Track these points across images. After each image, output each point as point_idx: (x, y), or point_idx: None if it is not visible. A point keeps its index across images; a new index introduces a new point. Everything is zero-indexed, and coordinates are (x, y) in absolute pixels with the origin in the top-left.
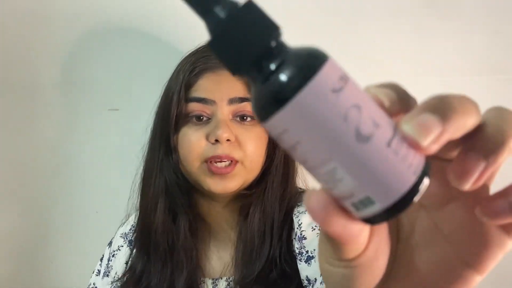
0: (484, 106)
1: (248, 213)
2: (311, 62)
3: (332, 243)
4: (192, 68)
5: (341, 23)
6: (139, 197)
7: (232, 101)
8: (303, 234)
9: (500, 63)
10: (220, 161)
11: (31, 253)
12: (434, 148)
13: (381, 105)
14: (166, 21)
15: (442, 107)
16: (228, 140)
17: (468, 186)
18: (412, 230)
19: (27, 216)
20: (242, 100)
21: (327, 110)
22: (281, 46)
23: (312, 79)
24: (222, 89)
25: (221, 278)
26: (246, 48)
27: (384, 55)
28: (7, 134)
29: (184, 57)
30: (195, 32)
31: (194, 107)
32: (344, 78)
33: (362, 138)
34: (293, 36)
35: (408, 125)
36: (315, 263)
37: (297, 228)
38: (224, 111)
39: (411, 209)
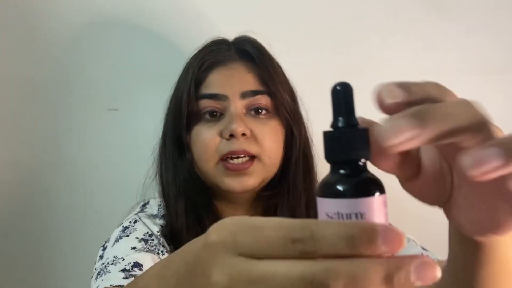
0: (484, 106)
1: (276, 215)
2: (362, 189)
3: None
4: (201, 63)
5: (341, 24)
6: (163, 202)
7: (244, 94)
8: None
9: (500, 63)
10: (237, 157)
11: (31, 253)
12: (398, 148)
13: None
14: (166, 21)
15: (420, 114)
16: (243, 134)
17: (475, 176)
18: (458, 184)
19: (26, 216)
20: (255, 93)
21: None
22: (363, 165)
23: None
24: (234, 83)
25: None
26: (349, 152)
27: (383, 56)
28: (7, 133)
29: (191, 55)
30: (196, 32)
31: (206, 103)
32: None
33: None
34: (295, 37)
35: (386, 124)
36: None
37: None
38: (237, 105)
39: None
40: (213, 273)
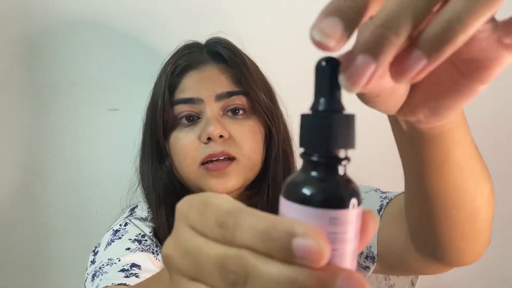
0: (484, 106)
1: None
2: (339, 196)
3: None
4: (173, 68)
5: None
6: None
7: (219, 96)
8: None
9: None
10: (217, 160)
11: (31, 254)
12: (338, 46)
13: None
14: (167, 21)
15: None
16: (221, 136)
17: (404, 82)
18: None
19: (27, 216)
20: (230, 94)
21: None
22: (342, 161)
23: (320, 209)
24: (208, 86)
25: None
26: (327, 143)
27: None
28: (7, 133)
29: (165, 60)
30: (197, 33)
31: (181, 108)
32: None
33: None
34: (294, 36)
35: (314, 32)
36: None
37: None
38: (213, 107)
39: None
40: (169, 236)
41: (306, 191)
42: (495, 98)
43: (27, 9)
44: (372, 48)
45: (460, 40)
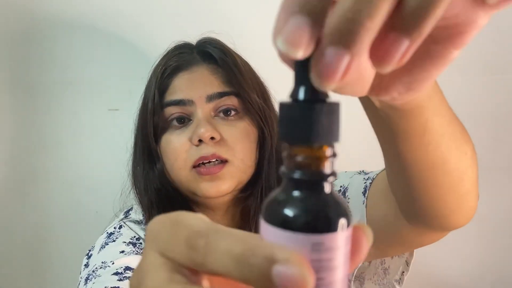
0: (484, 106)
1: (250, 218)
2: (324, 219)
3: None
4: (163, 69)
5: None
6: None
7: (211, 97)
8: None
9: (500, 63)
10: (208, 162)
11: (31, 254)
12: (307, 53)
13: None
14: (167, 21)
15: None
16: (212, 138)
17: (390, 69)
18: None
19: (26, 216)
20: (221, 94)
21: None
22: (328, 169)
23: (302, 235)
24: (198, 87)
25: None
26: (309, 139)
27: None
28: (7, 133)
29: (156, 62)
30: (197, 33)
31: (172, 110)
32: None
33: None
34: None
35: (278, 40)
36: None
37: None
38: (204, 109)
39: None
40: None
41: (285, 213)
42: (496, 93)
43: (27, 9)
44: (343, 38)
45: (441, 9)
